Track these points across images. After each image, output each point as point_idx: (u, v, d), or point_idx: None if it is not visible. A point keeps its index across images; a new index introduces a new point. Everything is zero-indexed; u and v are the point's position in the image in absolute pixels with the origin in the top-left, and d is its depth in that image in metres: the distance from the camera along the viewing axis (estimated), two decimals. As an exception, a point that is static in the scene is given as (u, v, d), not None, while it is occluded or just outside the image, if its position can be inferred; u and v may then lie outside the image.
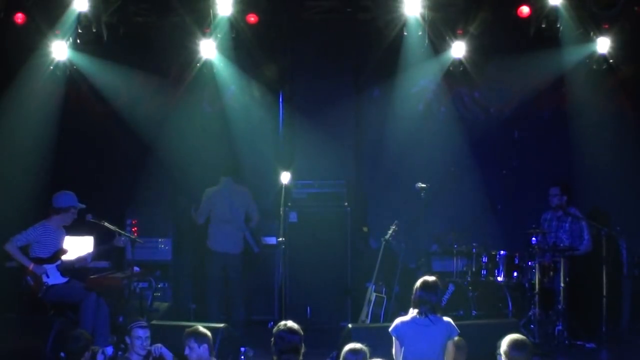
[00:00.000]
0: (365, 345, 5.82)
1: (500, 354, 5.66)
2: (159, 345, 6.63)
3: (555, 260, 9.02)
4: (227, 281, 9.47)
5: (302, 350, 5.52)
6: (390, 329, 6.10)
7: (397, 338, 6.04)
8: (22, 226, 8.13)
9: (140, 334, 6.53)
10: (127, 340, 6.58)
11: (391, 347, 6.09)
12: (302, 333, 5.53)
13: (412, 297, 6.11)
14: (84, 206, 8.21)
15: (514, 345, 5.53)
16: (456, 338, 6.10)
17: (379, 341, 6.18)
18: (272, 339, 5.51)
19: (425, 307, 5.99)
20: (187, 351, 6.30)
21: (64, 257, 8.16)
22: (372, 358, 5.82)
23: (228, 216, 9.44)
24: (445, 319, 6.06)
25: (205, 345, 6.27)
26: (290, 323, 5.57)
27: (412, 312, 6.06)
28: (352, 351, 5.73)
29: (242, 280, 9.60)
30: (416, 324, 5.98)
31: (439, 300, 6.11)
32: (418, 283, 6.11)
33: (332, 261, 10.01)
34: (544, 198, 9.41)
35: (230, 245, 9.43)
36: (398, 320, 6.11)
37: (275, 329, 5.57)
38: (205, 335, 6.31)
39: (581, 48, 9.47)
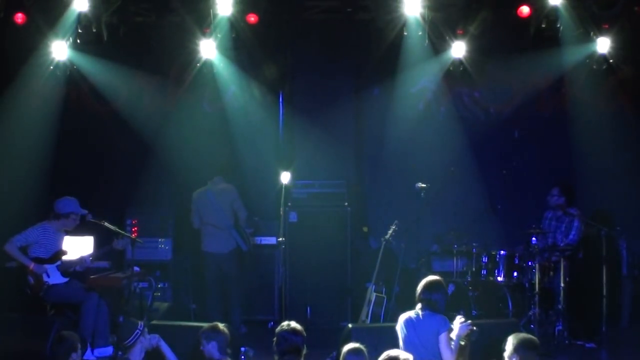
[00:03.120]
0: (362, 345, 5.85)
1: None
2: (156, 335, 6.59)
3: (554, 260, 9.03)
4: (224, 280, 9.49)
5: (304, 351, 5.52)
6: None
7: (399, 332, 6.33)
8: (22, 226, 8.13)
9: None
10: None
11: (392, 346, 6.11)
12: (305, 334, 5.53)
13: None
14: (85, 212, 8.21)
15: (523, 344, 5.53)
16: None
17: (379, 341, 6.21)
18: (275, 339, 5.51)
19: (423, 304, 6.31)
20: (201, 347, 6.39)
21: (65, 258, 8.17)
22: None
23: (213, 216, 9.44)
24: (438, 315, 6.25)
25: (214, 343, 6.38)
26: (294, 324, 5.57)
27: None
28: (354, 351, 5.72)
29: (240, 278, 9.60)
30: (411, 319, 6.30)
31: (441, 298, 6.32)
32: (422, 282, 6.42)
33: (332, 261, 10.00)
34: (544, 198, 9.42)
35: (220, 245, 9.43)
36: (401, 317, 6.41)
37: (278, 329, 5.57)
38: (214, 332, 6.42)
39: (581, 48, 9.46)
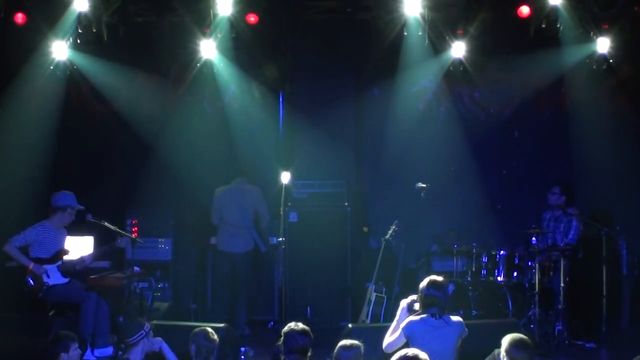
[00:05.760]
0: (361, 341, 5.75)
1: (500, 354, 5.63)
2: (159, 339, 6.57)
3: (554, 260, 9.03)
4: (235, 280, 9.50)
5: (309, 353, 5.53)
6: (401, 326, 6.01)
7: (407, 337, 5.92)
8: (22, 226, 8.13)
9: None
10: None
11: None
12: (312, 336, 5.55)
13: (420, 296, 6.03)
14: (82, 207, 8.21)
15: (515, 344, 5.49)
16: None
17: (379, 341, 6.16)
18: (282, 338, 5.51)
19: (436, 307, 5.94)
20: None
21: (66, 258, 8.17)
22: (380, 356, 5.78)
23: (235, 216, 9.48)
24: (456, 319, 6.00)
25: (193, 346, 6.31)
26: (302, 325, 5.58)
27: (421, 312, 5.99)
28: (344, 347, 5.65)
29: (250, 280, 9.65)
30: (429, 324, 5.90)
31: (447, 299, 6.05)
32: (426, 282, 6.02)
33: (332, 261, 10.01)
34: (544, 198, 9.42)
35: (237, 245, 9.48)
36: (408, 319, 6.00)
37: (286, 329, 5.57)
38: (197, 336, 6.30)
39: (581, 48, 9.46)
